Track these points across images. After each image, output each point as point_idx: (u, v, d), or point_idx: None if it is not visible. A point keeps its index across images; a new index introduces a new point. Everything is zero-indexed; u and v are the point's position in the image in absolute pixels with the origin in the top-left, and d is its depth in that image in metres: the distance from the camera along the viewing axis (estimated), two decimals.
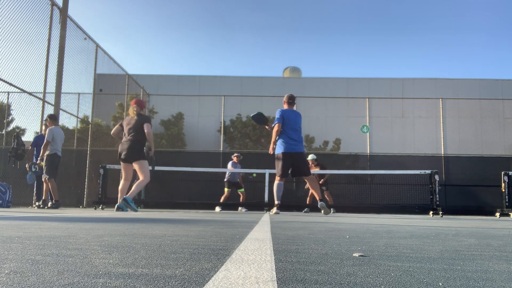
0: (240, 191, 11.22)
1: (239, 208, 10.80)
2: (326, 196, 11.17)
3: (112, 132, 7.21)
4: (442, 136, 15.63)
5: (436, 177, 8.59)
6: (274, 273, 1.02)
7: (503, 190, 9.60)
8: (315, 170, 10.32)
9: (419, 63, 64.08)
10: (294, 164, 6.91)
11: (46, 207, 8.20)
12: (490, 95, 19.06)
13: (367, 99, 16.51)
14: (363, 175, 13.20)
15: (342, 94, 19.31)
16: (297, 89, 18.49)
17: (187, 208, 10.87)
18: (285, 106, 7.10)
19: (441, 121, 15.67)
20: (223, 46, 73.70)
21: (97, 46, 11.56)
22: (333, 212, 9.99)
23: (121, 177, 6.98)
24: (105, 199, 8.96)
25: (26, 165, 8.44)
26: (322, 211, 6.92)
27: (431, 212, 8.56)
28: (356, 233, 2.51)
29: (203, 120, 19.05)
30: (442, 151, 15.25)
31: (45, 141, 8.07)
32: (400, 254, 1.48)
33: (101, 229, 2.46)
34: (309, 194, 10.78)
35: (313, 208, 8.95)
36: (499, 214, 9.37)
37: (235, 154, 11.38)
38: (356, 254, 1.42)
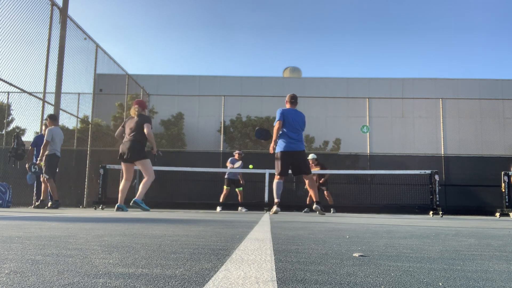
0: (238, 190, 11.12)
1: (239, 208, 10.77)
2: (326, 196, 11.17)
3: (116, 134, 7.24)
4: (442, 136, 15.63)
5: (436, 177, 8.59)
6: (274, 273, 1.02)
7: (503, 190, 9.59)
8: (315, 170, 10.32)
9: (419, 63, 64.14)
10: (294, 163, 6.91)
11: (46, 207, 8.21)
12: (490, 95, 19.06)
13: (367, 99, 16.50)
14: (363, 175, 13.20)
15: (342, 94, 19.31)
16: (297, 89, 18.47)
17: (187, 208, 10.87)
18: (287, 106, 7.11)
19: (441, 121, 15.66)
20: (223, 46, 73.75)
21: (97, 46, 11.56)
22: (333, 212, 9.99)
23: (122, 177, 6.99)
24: (105, 199, 8.96)
25: (26, 165, 8.44)
26: (317, 213, 6.95)
27: (431, 212, 8.56)
28: (356, 233, 2.51)
29: (203, 120, 19.05)
30: (442, 151, 15.24)
31: (44, 141, 8.08)
32: (400, 254, 1.48)
33: (101, 229, 2.46)
34: (309, 194, 10.77)
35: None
36: (499, 214, 9.37)
37: (237, 151, 11.31)
38: (356, 254, 1.42)
